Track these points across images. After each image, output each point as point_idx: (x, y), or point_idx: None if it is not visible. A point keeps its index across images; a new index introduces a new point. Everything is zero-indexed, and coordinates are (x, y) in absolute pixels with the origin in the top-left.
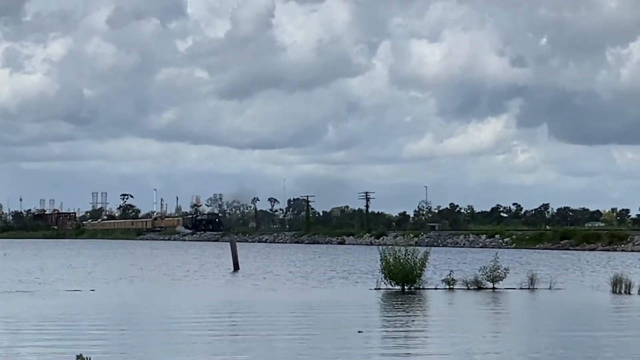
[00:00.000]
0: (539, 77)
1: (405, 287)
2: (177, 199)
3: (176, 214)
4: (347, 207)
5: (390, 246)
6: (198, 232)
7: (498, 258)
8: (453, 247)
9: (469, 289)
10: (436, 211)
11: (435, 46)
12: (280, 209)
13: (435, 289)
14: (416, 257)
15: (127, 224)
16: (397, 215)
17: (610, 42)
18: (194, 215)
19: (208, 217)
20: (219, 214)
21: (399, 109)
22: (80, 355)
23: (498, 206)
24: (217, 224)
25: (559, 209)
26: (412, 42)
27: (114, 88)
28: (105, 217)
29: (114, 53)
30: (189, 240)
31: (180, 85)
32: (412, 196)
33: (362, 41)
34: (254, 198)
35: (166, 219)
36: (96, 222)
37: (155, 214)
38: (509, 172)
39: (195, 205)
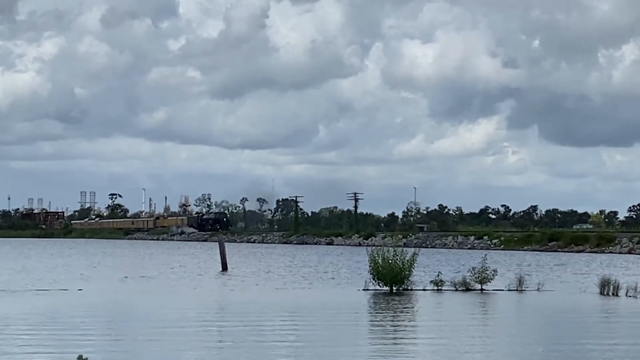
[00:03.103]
0: (531, 78)
1: (394, 288)
2: (166, 198)
3: (176, 213)
4: (336, 207)
5: (378, 247)
6: (202, 232)
7: (487, 259)
8: (442, 248)
9: (457, 290)
10: (425, 212)
11: (428, 47)
12: (269, 209)
13: (424, 290)
14: (404, 258)
15: (127, 223)
16: (386, 216)
17: (603, 45)
18: (200, 214)
19: (215, 217)
20: (227, 213)
21: (391, 110)
22: (81, 356)
23: (487, 207)
24: (224, 224)
25: (547, 211)
26: (405, 44)
27: (105, 87)
28: (94, 217)
29: (107, 52)
30: (177, 240)
31: (172, 85)
32: (401, 197)
33: (355, 42)
34: (243, 198)
35: (169, 218)
36: (93, 221)
37: (144, 213)
38: (499, 173)
39: (183, 205)
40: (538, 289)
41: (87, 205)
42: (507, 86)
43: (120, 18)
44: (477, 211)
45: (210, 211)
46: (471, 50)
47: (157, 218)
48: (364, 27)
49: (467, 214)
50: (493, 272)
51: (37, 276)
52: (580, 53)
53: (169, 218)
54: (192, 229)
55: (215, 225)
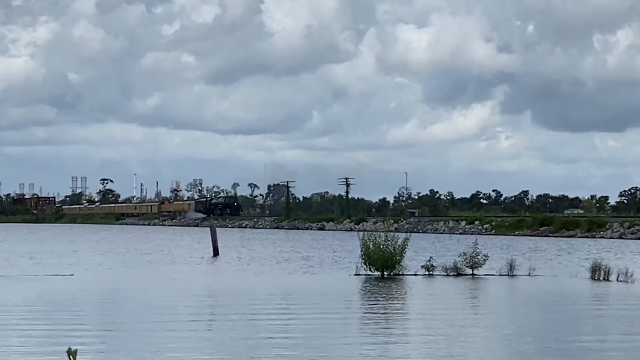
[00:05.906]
0: (525, 64)
1: (385, 273)
2: (157, 183)
3: (187, 198)
4: (327, 192)
5: (370, 232)
6: (197, 218)
7: (478, 244)
8: (433, 233)
9: (448, 275)
10: (416, 197)
11: (422, 32)
12: (260, 195)
13: (415, 275)
14: (396, 243)
15: (129, 208)
16: (377, 201)
17: (598, 30)
18: (208, 199)
19: (225, 201)
20: (237, 197)
21: (385, 96)
22: (70, 349)
23: (478, 193)
24: (235, 208)
25: (538, 196)
26: (399, 28)
27: (99, 73)
28: (86, 202)
29: (101, 38)
30: (169, 225)
31: (166, 70)
32: (392, 182)
33: (350, 27)
34: (234, 183)
35: (175, 202)
36: (93, 205)
37: (135, 198)
38: (492, 158)
39: (175, 190)
40: (529, 274)
41: (79, 191)
42: (501, 71)
43: (115, 3)
44: (468, 196)
45: (220, 195)
46: (466, 35)
47: (162, 202)
48: (358, 12)
49: (458, 199)
50: (484, 257)
51: (27, 261)
52: (574, 38)
53: (175, 203)
54: (199, 214)
55: (225, 210)
